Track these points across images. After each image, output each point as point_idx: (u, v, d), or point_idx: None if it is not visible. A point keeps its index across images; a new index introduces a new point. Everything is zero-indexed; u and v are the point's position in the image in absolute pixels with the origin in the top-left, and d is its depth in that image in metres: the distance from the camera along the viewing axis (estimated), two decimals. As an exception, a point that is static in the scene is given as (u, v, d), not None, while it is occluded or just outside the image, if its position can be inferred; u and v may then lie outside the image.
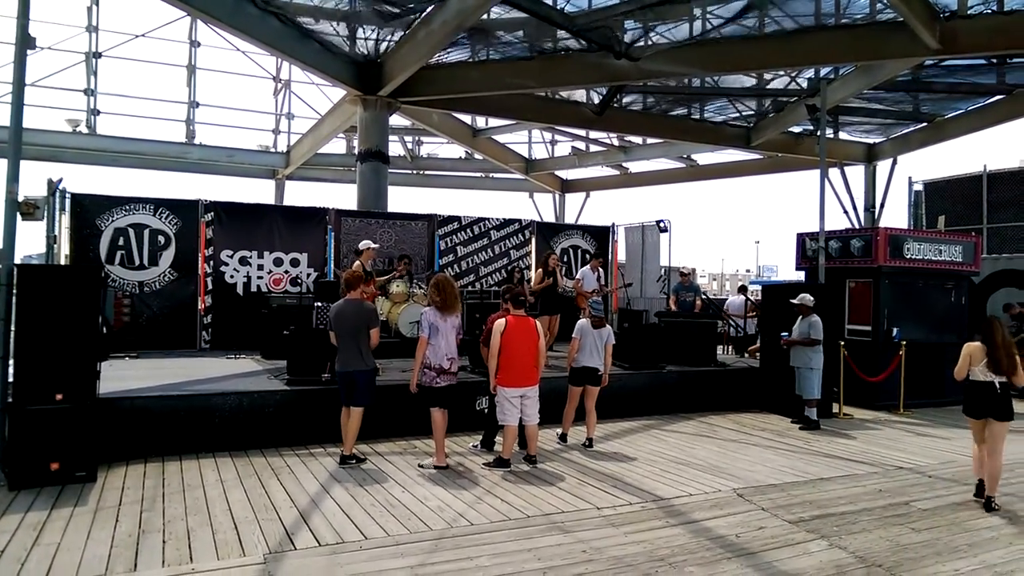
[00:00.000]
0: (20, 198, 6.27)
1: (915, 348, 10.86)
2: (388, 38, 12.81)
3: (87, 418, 6.10)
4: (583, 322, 7.96)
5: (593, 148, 22.14)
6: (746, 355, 13.48)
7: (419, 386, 6.82)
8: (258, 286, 12.17)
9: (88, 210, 11.12)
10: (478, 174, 25.22)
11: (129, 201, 11.43)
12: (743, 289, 16.50)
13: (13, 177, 6.16)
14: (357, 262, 9.63)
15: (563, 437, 8.10)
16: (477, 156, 22.86)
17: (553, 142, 23.07)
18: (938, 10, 10.46)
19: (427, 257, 13.85)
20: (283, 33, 12.21)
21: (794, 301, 9.59)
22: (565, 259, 15.55)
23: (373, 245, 9.94)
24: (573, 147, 22.49)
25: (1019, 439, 8.68)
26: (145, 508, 5.44)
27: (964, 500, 6.33)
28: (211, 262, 11.87)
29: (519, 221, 15.14)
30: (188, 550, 4.65)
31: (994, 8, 10.55)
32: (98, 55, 18.74)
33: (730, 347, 15.09)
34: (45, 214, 8.71)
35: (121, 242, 11.32)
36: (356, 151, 15.14)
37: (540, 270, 11.68)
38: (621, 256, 16.85)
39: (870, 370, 10.64)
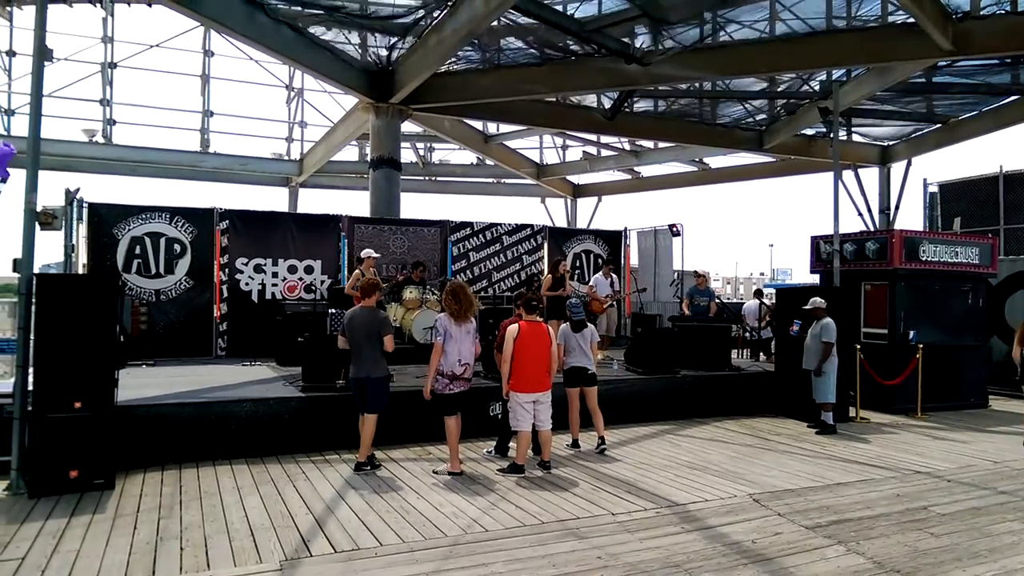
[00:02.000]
0: (38, 208, 6.35)
1: (932, 351, 10.75)
2: (400, 46, 12.88)
3: (105, 426, 6.16)
4: (564, 327, 8.04)
5: (604, 153, 22.12)
6: (761, 356, 13.45)
7: (432, 392, 6.83)
8: (273, 293, 12.25)
9: (105, 219, 11.24)
10: (490, 180, 25.29)
11: (145, 210, 11.55)
12: (759, 293, 16.40)
13: (31, 187, 6.23)
14: (357, 270, 9.90)
15: (575, 443, 8.08)
16: (489, 162, 22.93)
17: (564, 147, 23.09)
18: (951, 11, 10.39)
19: (440, 263, 13.88)
20: (296, 42, 12.31)
21: (806, 307, 9.53)
22: (578, 264, 15.56)
23: (374, 254, 10.29)
24: (584, 152, 22.49)
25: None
26: (163, 515, 5.48)
27: (984, 504, 6.27)
28: (226, 270, 11.96)
29: (531, 226, 15.16)
30: (205, 557, 4.68)
31: (1008, 9, 10.47)
32: (113, 65, 19.00)
33: (747, 351, 15.03)
34: (63, 224, 8.82)
35: (138, 251, 11.44)
36: (368, 158, 15.23)
37: (550, 276, 11.71)
38: (634, 261, 16.83)
39: (887, 373, 10.54)
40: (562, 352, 7.87)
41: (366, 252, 10.25)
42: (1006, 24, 10.35)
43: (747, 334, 14.93)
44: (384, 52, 13.20)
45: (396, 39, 12.50)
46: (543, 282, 11.78)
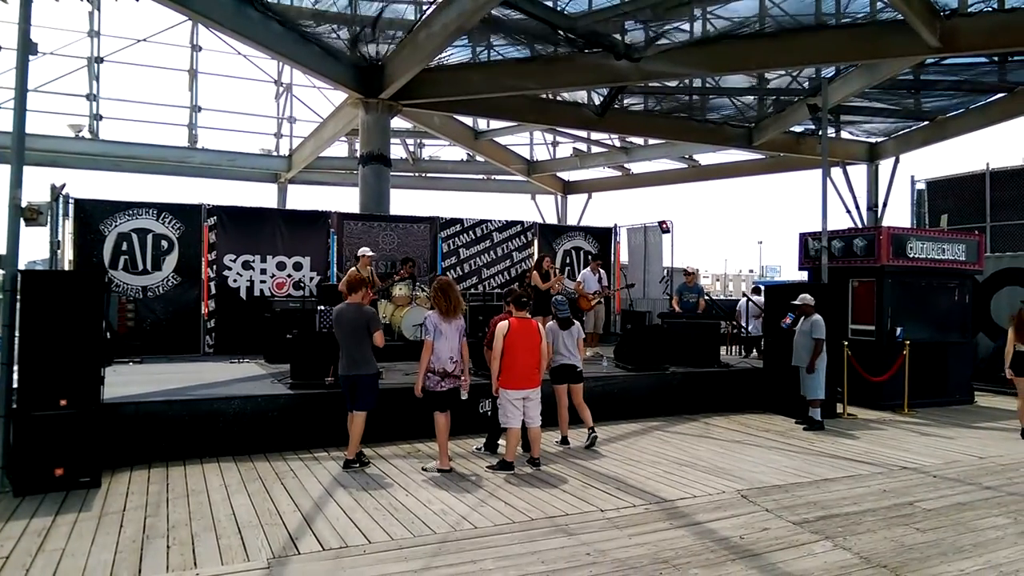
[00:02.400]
0: (23, 203, 6.29)
1: (919, 348, 10.84)
2: (389, 41, 12.82)
3: (91, 424, 6.12)
4: (551, 324, 8.04)
5: (595, 149, 22.12)
6: (753, 352, 13.51)
7: (423, 390, 6.81)
8: (261, 290, 12.19)
9: (91, 215, 11.15)
10: (480, 176, 25.22)
11: (132, 206, 11.46)
12: (756, 291, 16.45)
13: (16, 183, 6.17)
14: (353, 268, 9.88)
15: (564, 440, 8.09)
16: (479, 158, 22.86)
17: (555, 144, 23.06)
18: (938, 8, 10.44)
19: (430, 260, 13.86)
20: (284, 36, 12.23)
21: (795, 303, 9.59)
22: (568, 261, 15.56)
23: (370, 253, 10.28)
24: (575, 148, 22.48)
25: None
26: (149, 513, 5.45)
27: (969, 500, 6.32)
28: (214, 266, 11.90)
29: (521, 223, 15.15)
30: (192, 555, 4.66)
31: (995, 6, 10.53)
32: (100, 60, 18.80)
33: (735, 347, 15.07)
34: (48, 220, 8.69)
35: (124, 247, 11.35)
36: (358, 154, 15.17)
37: (536, 272, 11.67)
38: (623, 257, 16.85)
39: (874, 370, 10.61)
40: (548, 350, 7.90)
41: (362, 251, 10.26)
42: (993, 21, 10.41)
43: (735, 331, 14.97)
44: (374, 47, 13.13)
45: (386, 33, 12.42)
46: (535, 279, 11.75)
